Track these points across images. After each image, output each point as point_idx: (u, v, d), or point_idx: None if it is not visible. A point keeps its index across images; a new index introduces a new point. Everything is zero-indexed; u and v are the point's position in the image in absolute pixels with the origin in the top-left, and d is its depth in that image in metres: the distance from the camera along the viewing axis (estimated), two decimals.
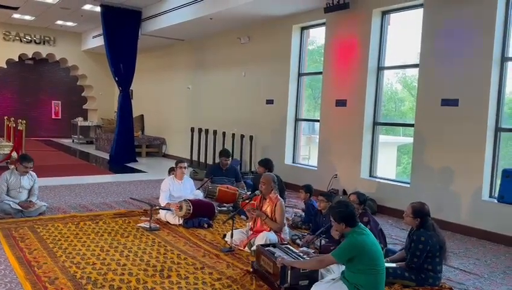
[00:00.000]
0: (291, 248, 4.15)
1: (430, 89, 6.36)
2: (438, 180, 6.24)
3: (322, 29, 8.30)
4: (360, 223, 3.42)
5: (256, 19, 9.05)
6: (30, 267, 3.96)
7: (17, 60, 14.82)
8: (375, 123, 7.40)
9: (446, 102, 6.12)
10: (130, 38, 11.33)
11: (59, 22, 13.61)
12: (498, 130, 5.80)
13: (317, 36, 9.27)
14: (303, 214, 6.03)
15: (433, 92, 6.31)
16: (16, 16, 12.79)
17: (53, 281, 3.67)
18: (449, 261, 4.24)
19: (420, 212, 3.94)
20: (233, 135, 10.00)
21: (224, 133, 10.32)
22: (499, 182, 5.70)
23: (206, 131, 10.92)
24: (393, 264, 4.00)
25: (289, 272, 3.60)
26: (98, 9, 11.09)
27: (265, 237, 4.51)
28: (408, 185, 6.72)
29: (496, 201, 5.69)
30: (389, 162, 8.76)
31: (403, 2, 6.82)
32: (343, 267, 3.50)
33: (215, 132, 10.62)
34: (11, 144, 9.75)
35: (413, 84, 8.25)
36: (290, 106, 8.91)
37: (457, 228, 5.91)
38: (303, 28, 8.83)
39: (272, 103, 9.29)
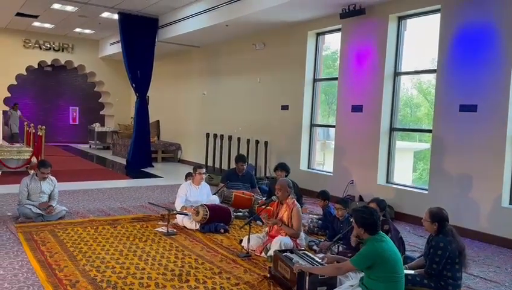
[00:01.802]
0: (308, 253, 4.15)
1: (448, 95, 6.31)
2: (456, 187, 6.17)
3: (336, 35, 8.31)
4: (380, 231, 3.40)
5: (272, 25, 9.10)
6: (51, 271, 4.03)
7: (36, 67, 15.14)
8: (392, 129, 7.36)
9: (464, 107, 6.06)
10: (147, 45, 11.48)
11: (77, 30, 13.87)
12: None
13: (331, 42, 9.28)
14: (319, 221, 6.01)
15: (451, 98, 6.26)
16: (36, 24, 13.08)
17: (74, 284, 3.73)
18: (469, 268, 4.18)
19: (438, 216, 3.89)
20: (248, 140, 10.04)
21: (239, 139, 10.36)
22: None
23: (221, 136, 10.98)
24: (412, 271, 3.96)
25: (307, 278, 3.59)
26: (115, 16, 11.28)
27: (279, 241, 4.51)
28: (426, 192, 6.65)
29: None
30: (405, 168, 8.69)
31: (420, 7, 6.79)
32: (361, 274, 3.49)
33: (230, 138, 10.68)
34: (30, 149, 9.94)
35: (428, 89, 8.19)
36: (305, 112, 8.92)
37: (477, 235, 5.83)
38: (318, 34, 8.85)
39: (287, 109, 9.31)
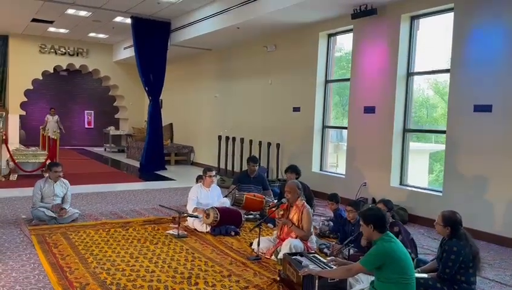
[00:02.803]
0: (318, 256, 4.11)
1: (462, 95, 6.20)
2: (471, 189, 6.05)
3: (349, 35, 8.24)
4: (388, 232, 3.35)
5: (283, 27, 9.08)
6: (63, 273, 4.07)
7: (52, 71, 15.40)
8: (406, 130, 7.26)
9: (479, 108, 5.94)
10: (160, 49, 11.57)
11: (91, 34, 14.08)
12: None
13: (344, 43, 9.20)
14: (330, 223, 5.95)
15: (465, 98, 6.15)
16: (52, 29, 13.31)
17: (84, 287, 3.75)
18: (483, 272, 4.09)
19: (450, 220, 3.81)
20: (260, 142, 10.02)
21: (251, 141, 10.35)
22: None
23: (233, 139, 10.98)
24: (425, 275, 3.88)
25: (316, 281, 3.55)
26: (128, 21, 11.40)
27: (289, 243, 4.47)
28: (440, 194, 6.54)
29: None
30: (421, 170, 8.56)
31: (432, 6, 6.69)
32: (372, 278, 3.43)
33: (242, 140, 10.67)
34: (45, 152, 10.08)
35: (445, 90, 8.05)
36: (317, 114, 8.87)
37: (492, 237, 5.70)
38: (330, 35, 8.80)
39: (299, 111, 9.27)
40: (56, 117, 15.26)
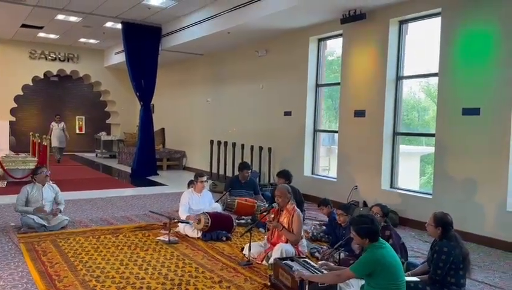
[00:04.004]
0: (308, 261, 4.11)
1: (451, 98, 6.26)
2: (460, 191, 6.09)
3: (339, 40, 8.28)
4: (380, 238, 3.36)
5: (273, 31, 9.11)
6: (51, 281, 4.02)
7: (42, 77, 15.28)
8: (396, 133, 7.30)
9: (467, 111, 6.00)
10: (151, 54, 11.55)
11: (82, 40, 14.00)
12: None
13: (337, 47, 9.24)
14: (323, 226, 5.96)
15: (453, 101, 6.20)
16: (41, 34, 13.22)
17: None
18: (473, 274, 4.12)
19: (442, 221, 3.84)
20: (252, 146, 10.02)
21: (243, 146, 10.35)
22: None
23: (225, 143, 10.98)
24: (416, 278, 3.89)
25: (307, 286, 3.55)
26: (119, 26, 11.37)
27: (280, 248, 4.48)
28: (430, 197, 6.58)
29: None
30: (411, 173, 8.60)
31: (420, 11, 6.75)
32: (362, 282, 3.44)
33: (234, 145, 10.67)
34: (35, 159, 9.99)
35: (436, 93, 8.12)
36: (308, 118, 8.89)
37: (482, 239, 5.74)
38: (320, 40, 8.84)
39: (290, 115, 9.28)
40: (62, 124, 14.33)
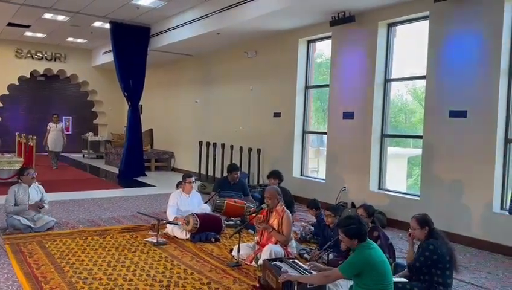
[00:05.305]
0: (298, 262, 4.11)
1: (438, 101, 6.33)
2: (447, 193, 6.16)
3: (328, 42, 8.33)
4: (368, 239, 3.37)
5: (263, 33, 9.12)
6: (37, 283, 3.97)
7: (29, 76, 15.08)
8: (383, 135, 7.36)
9: (454, 113, 6.07)
10: (139, 54, 11.46)
11: (70, 39, 13.85)
12: (508, 141, 5.72)
13: (326, 49, 9.29)
14: (311, 227, 5.97)
15: (440, 104, 6.27)
16: (28, 33, 13.05)
17: None
18: (460, 275, 4.16)
19: (425, 220, 3.90)
20: (241, 148, 10.01)
21: (232, 147, 10.33)
22: (510, 193, 5.61)
23: (214, 145, 10.95)
24: (403, 279, 3.92)
25: (295, 287, 3.55)
26: (107, 26, 11.27)
27: (270, 249, 4.48)
28: (418, 198, 6.64)
29: (507, 213, 5.57)
30: (399, 175, 8.67)
31: (409, 14, 6.82)
32: (351, 282, 3.45)
33: (223, 146, 10.65)
34: (21, 159, 9.84)
35: (423, 95, 8.20)
36: (297, 119, 8.92)
37: (468, 240, 5.81)
38: (309, 42, 8.88)
39: (279, 116, 9.30)
40: (60, 125, 12.73)
